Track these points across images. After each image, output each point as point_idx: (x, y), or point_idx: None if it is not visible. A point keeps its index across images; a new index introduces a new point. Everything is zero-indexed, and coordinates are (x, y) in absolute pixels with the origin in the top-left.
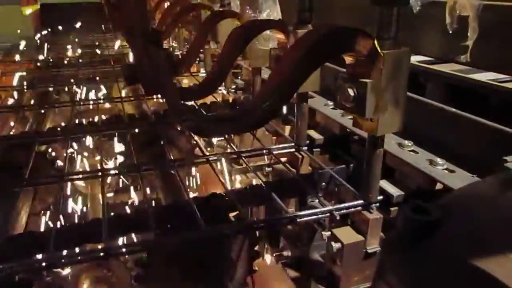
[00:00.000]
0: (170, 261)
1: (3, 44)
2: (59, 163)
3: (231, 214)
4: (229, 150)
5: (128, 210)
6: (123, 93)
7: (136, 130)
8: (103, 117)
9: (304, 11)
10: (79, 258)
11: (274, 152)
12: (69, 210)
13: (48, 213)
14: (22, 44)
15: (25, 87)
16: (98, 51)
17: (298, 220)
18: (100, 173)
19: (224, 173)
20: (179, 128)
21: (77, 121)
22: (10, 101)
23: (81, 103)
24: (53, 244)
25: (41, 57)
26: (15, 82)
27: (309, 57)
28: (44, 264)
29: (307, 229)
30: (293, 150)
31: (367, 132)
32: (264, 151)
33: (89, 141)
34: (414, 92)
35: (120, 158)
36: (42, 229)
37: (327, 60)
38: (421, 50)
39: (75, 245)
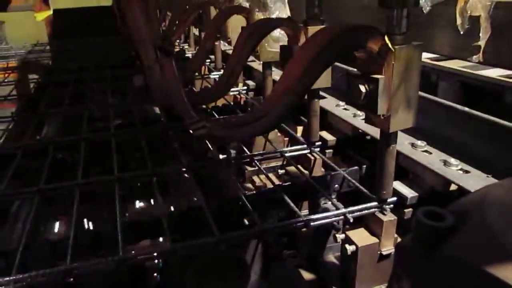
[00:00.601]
0: (185, 266)
1: (18, 51)
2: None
3: (245, 219)
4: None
5: (143, 216)
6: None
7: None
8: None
9: (313, 7)
10: (96, 266)
11: (287, 155)
12: (85, 216)
13: (64, 219)
14: (36, 50)
15: (38, 92)
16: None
17: (311, 223)
18: (114, 178)
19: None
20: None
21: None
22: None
23: (94, 107)
24: (71, 252)
25: (54, 63)
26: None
27: (321, 56)
28: (63, 273)
29: (321, 232)
30: (305, 151)
31: (379, 129)
32: (277, 154)
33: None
34: (426, 91)
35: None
36: (59, 236)
37: (338, 58)
38: (433, 49)
39: (91, 252)
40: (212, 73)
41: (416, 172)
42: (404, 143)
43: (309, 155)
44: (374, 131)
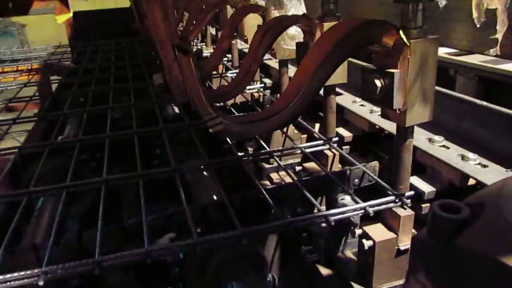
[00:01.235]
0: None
1: (41, 53)
2: (99, 166)
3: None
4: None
5: (167, 211)
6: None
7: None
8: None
9: (328, 3)
10: (122, 259)
11: (306, 150)
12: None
13: (90, 216)
14: (58, 52)
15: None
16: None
17: (331, 218)
18: (138, 175)
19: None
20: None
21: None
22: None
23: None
24: (99, 246)
25: (75, 64)
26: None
27: (335, 52)
28: (91, 265)
29: (339, 227)
30: (323, 147)
31: (395, 123)
32: (295, 150)
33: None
34: (444, 86)
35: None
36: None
37: (353, 53)
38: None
39: (118, 247)
40: (229, 71)
41: (434, 167)
42: (421, 138)
43: (327, 151)
44: (391, 127)
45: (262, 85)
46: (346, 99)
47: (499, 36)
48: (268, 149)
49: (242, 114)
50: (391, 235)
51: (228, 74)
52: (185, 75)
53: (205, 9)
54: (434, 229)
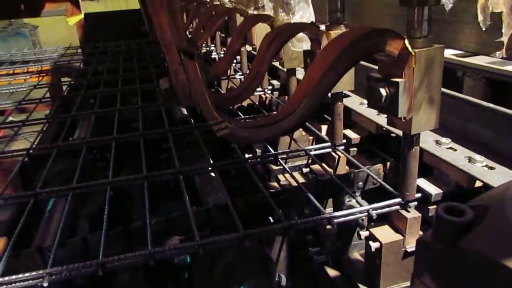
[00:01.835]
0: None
1: (52, 55)
2: (105, 167)
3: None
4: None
5: (171, 214)
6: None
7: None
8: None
9: (336, 12)
10: (126, 261)
11: (311, 153)
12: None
13: (95, 217)
14: (69, 54)
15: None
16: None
17: (335, 220)
18: (144, 177)
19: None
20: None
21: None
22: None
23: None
24: (103, 248)
25: (85, 65)
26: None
27: (340, 60)
28: (95, 266)
29: (346, 229)
30: (329, 150)
31: (401, 131)
32: (301, 153)
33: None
34: (451, 88)
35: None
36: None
37: (358, 62)
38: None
39: (123, 248)
40: (238, 73)
41: (441, 169)
42: (428, 140)
43: (333, 153)
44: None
45: (270, 87)
46: (354, 101)
47: (504, 39)
48: (273, 152)
49: (248, 117)
50: (398, 237)
51: (237, 76)
52: (190, 79)
53: (215, 15)
54: (438, 232)
